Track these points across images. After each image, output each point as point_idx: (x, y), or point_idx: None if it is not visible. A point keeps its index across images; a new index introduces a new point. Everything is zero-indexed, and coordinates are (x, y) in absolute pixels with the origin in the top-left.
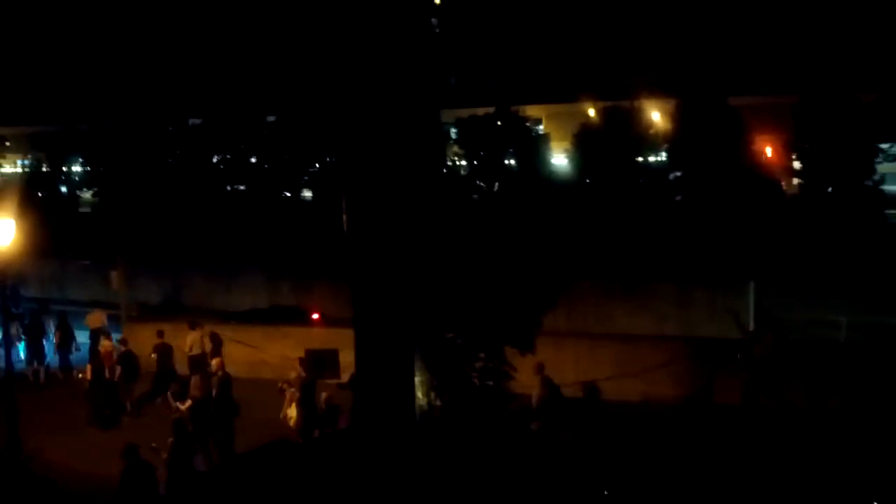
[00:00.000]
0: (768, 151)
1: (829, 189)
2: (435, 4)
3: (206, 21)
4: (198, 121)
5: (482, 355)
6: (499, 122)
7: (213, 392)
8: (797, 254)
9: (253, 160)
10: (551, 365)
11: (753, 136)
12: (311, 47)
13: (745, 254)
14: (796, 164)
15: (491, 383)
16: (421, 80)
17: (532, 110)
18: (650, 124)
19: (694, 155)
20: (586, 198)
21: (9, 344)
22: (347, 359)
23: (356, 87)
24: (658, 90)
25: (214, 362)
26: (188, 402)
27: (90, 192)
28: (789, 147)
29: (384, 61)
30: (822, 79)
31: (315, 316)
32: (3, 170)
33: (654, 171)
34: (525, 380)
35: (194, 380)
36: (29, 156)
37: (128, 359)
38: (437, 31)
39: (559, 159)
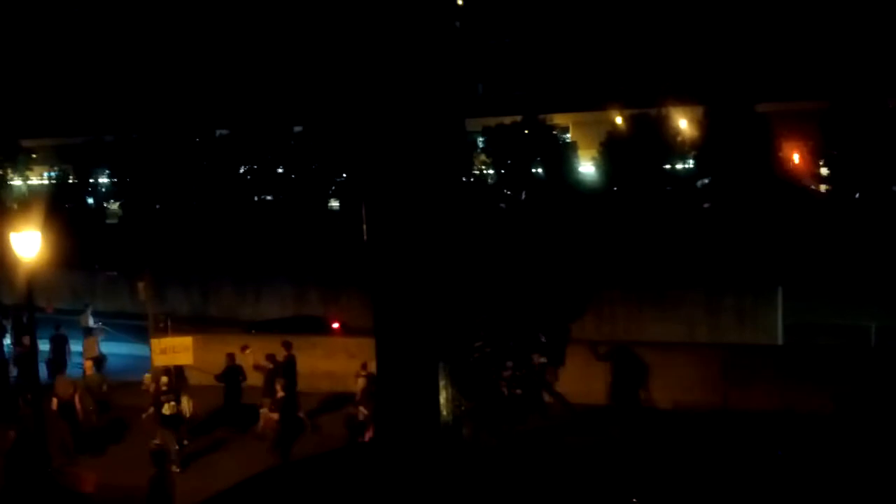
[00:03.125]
0: (796, 157)
1: (857, 195)
2: (457, 5)
3: (232, 31)
4: (225, 131)
5: (510, 364)
6: (526, 131)
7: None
8: (826, 259)
9: (280, 170)
10: (581, 373)
11: (781, 142)
12: (335, 56)
13: (774, 260)
14: (824, 170)
15: (519, 392)
16: (445, 89)
17: (559, 118)
18: (677, 131)
19: (722, 162)
20: (614, 206)
21: (36, 357)
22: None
23: (378, 96)
24: (685, 97)
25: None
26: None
27: (117, 204)
28: (817, 153)
29: (407, 69)
30: (850, 84)
31: (335, 325)
32: (30, 182)
33: (682, 178)
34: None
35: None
36: (56, 167)
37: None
38: (459, 31)
39: (586, 167)
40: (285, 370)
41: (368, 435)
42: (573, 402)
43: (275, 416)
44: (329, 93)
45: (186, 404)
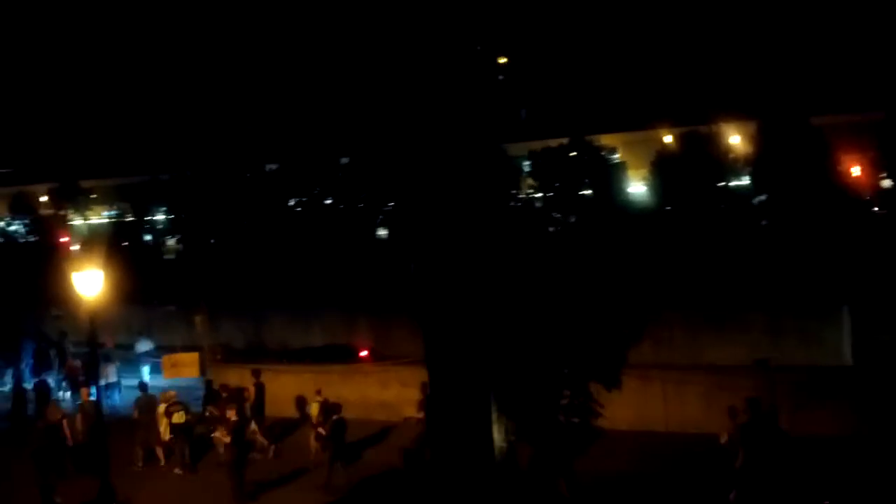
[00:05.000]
0: (856, 171)
1: None
2: (499, 64)
3: (278, 68)
4: (274, 166)
5: (567, 392)
6: (573, 153)
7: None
8: (891, 276)
9: (328, 202)
10: (638, 399)
11: (839, 155)
12: (380, 90)
13: (837, 278)
14: (886, 183)
15: (577, 420)
16: (487, 118)
17: (607, 139)
18: (730, 148)
19: (778, 177)
20: (667, 226)
21: (99, 388)
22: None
23: (422, 127)
24: (737, 113)
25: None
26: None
27: (173, 240)
28: (877, 165)
29: (449, 101)
30: None
31: (363, 353)
32: (90, 221)
33: (738, 195)
34: (611, 414)
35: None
36: (114, 206)
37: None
38: (503, 80)
39: (637, 187)
40: (256, 396)
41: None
42: (629, 430)
43: (227, 439)
44: (374, 124)
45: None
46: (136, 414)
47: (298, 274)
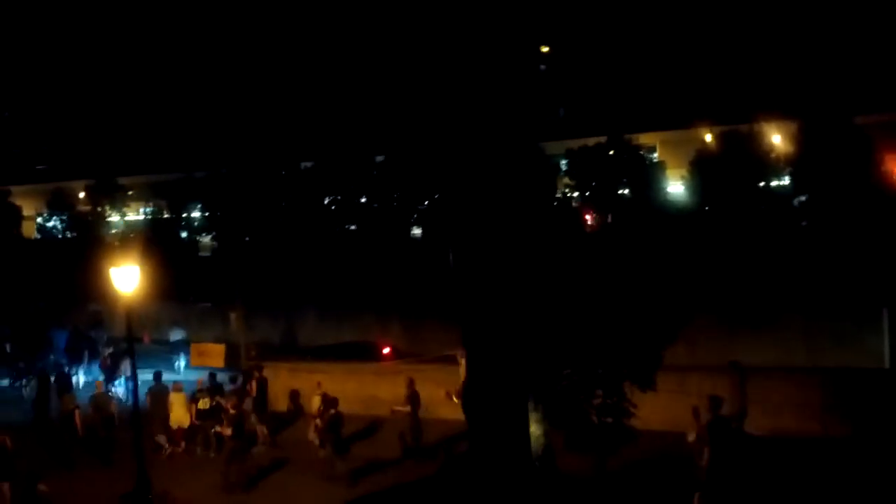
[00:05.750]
0: None
1: None
2: (542, 53)
3: (313, 66)
4: (309, 164)
5: (600, 392)
6: (611, 152)
7: None
8: None
9: (363, 200)
10: (674, 400)
11: (883, 155)
12: (416, 88)
13: (878, 280)
14: None
15: (610, 420)
16: (526, 116)
17: (645, 138)
18: (771, 148)
19: (819, 178)
20: (706, 226)
21: (137, 384)
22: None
23: (460, 125)
24: (778, 112)
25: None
26: None
27: (209, 237)
28: None
29: (488, 99)
30: None
31: (385, 350)
32: (126, 217)
33: (778, 196)
34: (645, 416)
35: None
36: (150, 203)
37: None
38: (544, 71)
39: (675, 187)
40: (258, 390)
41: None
42: (663, 430)
43: (228, 431)
44: (410, 122)
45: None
46: (149, 403)
47: (332, 272)
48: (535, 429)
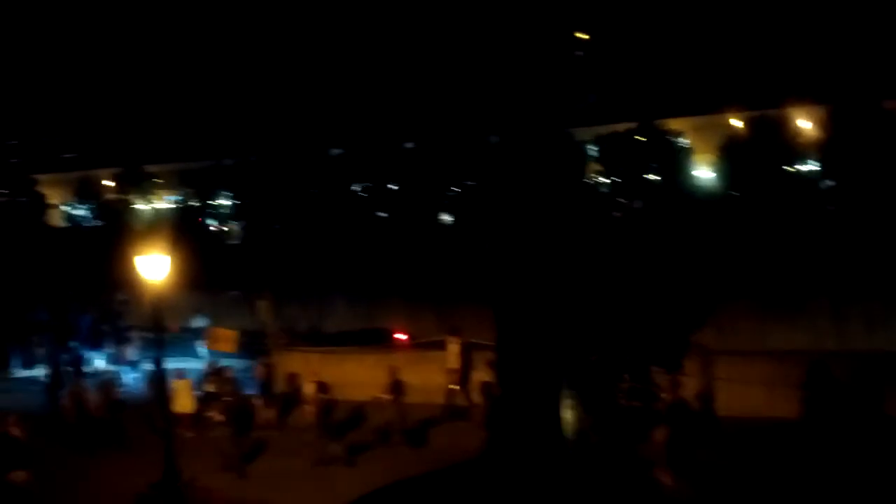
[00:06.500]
0: None
1: None
2: (578, 39)
3: (339, 53)
4: (338, 151)
5: (627, 376)
6: (640, 137)
7: None
8: None
9: (393, 187)
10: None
11: None
12: (446, 74)
13: None
14: None
15: (638, 404)
16: (560, 103)
17: (675, 123)
18: (800, 133)
19: (848, 162)
20: (735, 211)
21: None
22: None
23: (493, 112)
24: (807, 97)
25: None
26: None
27: (238, 225)
28: None
29: (524, 86)
30: None
31: (400, 336)
32: (154, 206)
33: (806, 181)
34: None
35: None
36: (178, 191)
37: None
38: (582, 57)
39: (704, 172)
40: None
41: None
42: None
43: (219, 417)
44: (441, 108)
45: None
46: (152, 391)
47: (361, 259)
48: (568, 414)
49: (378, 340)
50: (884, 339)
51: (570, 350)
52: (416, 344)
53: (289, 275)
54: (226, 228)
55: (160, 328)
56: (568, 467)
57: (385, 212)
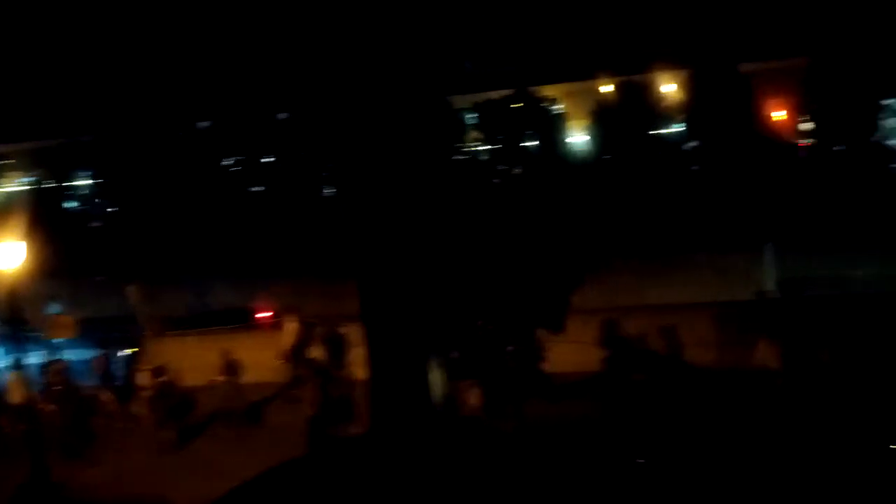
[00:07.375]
0: (780, 114)
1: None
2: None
3: (204, 20)
4: (206, 123)
5: (512, 338)
6: (516, 104)
7: None
8: (812, 212)
9: (269, 160)
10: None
11: (766, 100)
12: (315, 42)
13: (763, 217)
14: (806, 125)
15: (524, 365)
16: (429, 70)
17: (549, 90)
18: (664, 97)
19: (708, 124)
20: (607, 174)
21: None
22: None
23: (359, 80)
24: (671, 61)
25: None
26: None
27: (101, 206)
28: (800, 109)
29: (388, 52)
30: (829, 40)
31: (261, 315)
32: (4, 189)
33: (671, 142)
34: (557, 358)
35: None
36: (31, 172)
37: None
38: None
39: (579, 137)
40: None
41: None
42: (573, 372)
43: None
44: (313, 78)
45: None
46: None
47: (240, 237)
48: (436, 379)
49: (240, 321)
50: (744, 290)
51: (444, 317)
52: (274, 323)
53: (162, 257)
54: (87, 210)
55: (17, 321)
56: (437, 435)
57: (261, 186)
